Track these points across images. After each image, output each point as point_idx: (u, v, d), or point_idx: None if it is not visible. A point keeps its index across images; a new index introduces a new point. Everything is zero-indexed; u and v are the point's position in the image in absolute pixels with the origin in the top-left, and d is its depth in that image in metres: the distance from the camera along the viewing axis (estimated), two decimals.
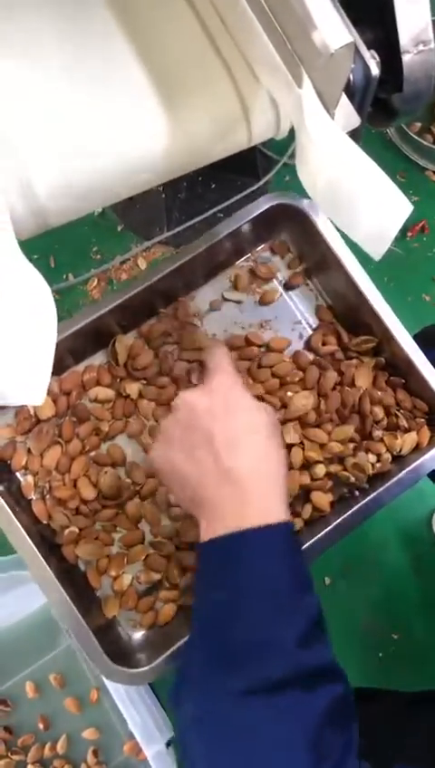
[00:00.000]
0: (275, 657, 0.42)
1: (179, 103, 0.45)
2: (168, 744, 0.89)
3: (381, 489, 0.61)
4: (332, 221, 0.49)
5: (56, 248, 1.06)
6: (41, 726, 0.93)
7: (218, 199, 0.92)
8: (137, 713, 0.87)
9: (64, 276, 1.01)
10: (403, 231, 1.02)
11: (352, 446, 0.65)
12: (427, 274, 1.02)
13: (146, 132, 0.44)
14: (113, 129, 0.44)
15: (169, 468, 0.51)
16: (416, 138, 1.04)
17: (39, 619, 0.97)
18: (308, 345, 0.70)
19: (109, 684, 0.88)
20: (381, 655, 1.18)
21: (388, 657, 1.18)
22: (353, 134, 0.47)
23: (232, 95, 0.47)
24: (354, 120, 0.46)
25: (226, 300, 0.70)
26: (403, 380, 0.67)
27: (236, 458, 0.47)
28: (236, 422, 0.49)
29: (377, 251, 0.51)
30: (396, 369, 0.67)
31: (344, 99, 0.45)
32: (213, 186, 0.96)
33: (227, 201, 0.89)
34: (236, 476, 0.47)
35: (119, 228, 1.02)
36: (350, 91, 0.47)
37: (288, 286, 0.71)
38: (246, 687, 0.41)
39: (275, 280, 0.71)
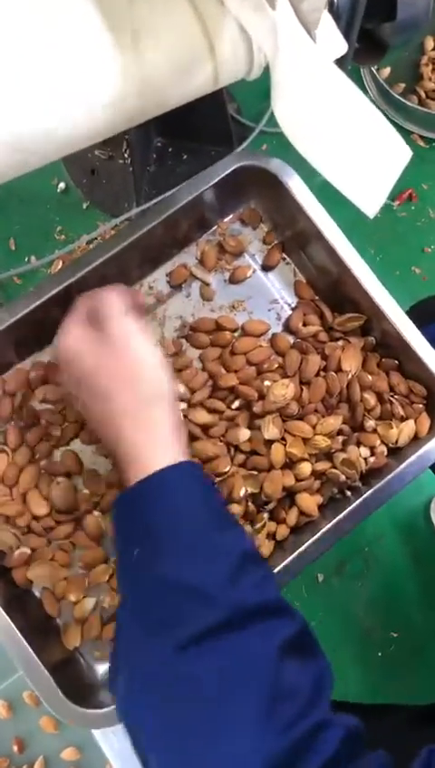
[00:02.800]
0: (203, 603, 0.38)
1: (132, 40, 0.37)
2: None
3: (376, 487, 0.54)
4: (320, 172, 0.41)
5: (16, 229, 0.98)
6: (15, 749, 0.86)
7: (191, 171, 0.85)
8: (115, 737, 0.80)
9: (26, 259, 0.95)
10: (389, 200, 0.94)
11: (341, 439, 0.58)
12: (416, 245, 0.95)
13: (96, 75, 0.37)
14: (58, 72, 0.36)
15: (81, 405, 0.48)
16: (400, 99, 0.96)
17: None
18: (287, 327, 0.61)
19: None
20: (380, 654, 1.12)
21: (388, 657, 1.12)
22: (339, 65, 0.39)
23: (193, 26, 0.39)
24: (341, 47, 0.38)
25: (192, 277, 0.61)
26: (397, 362, 0.59)
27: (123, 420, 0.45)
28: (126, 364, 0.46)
29: (371, 206, 0.43)
30: (388, 349, 0.59)
31: (329, 20, 0.38)
32: (184, 157, 0.90)
33: (199, 173, 0.83)
34: (125, 432, 0.44)
35: (84, 206, 0.95)
36: (335, 12, 0.39)
37: (265, 267, 0.62)
38: (178, 642, 0.37)
39: (246, 254, 0.62)
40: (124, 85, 0.38)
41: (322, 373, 0.58)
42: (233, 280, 0.61)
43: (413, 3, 0.39)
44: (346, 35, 0.39)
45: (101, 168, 0.86)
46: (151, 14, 0.38)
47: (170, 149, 0.88)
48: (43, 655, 0.50)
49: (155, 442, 0.44)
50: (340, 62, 0.38)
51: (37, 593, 0.55)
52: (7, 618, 0.50)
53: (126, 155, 0.79)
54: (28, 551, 0.54)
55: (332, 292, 0.60)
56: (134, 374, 0.45)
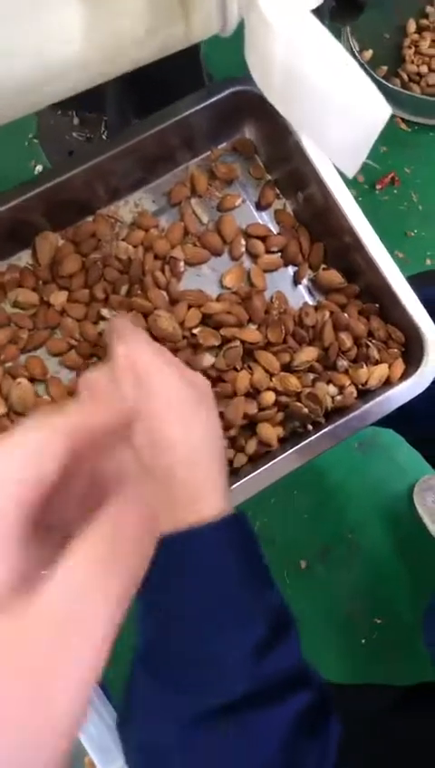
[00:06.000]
0: (227, 674, 0.37)
1: None
2: None
3: (338, 423, 0.52)
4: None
5: None
6: None
7: None
8: (92, 726, 0.79)
9: None
10: (371, 184, 0.92)
11: (312, 377, 0.56)
12: (399, 229, 0.93)
13: (61, 29, 0.35)
14: (21, 27, 0.34)
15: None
16: (383, 81, 0.95)
17: None
18: None
19: None
20: (363, 641, 1.09)
21: (371, 644, 1.09)
22: (317, 15, 0.38)
23: None
24: None
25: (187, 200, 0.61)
26: (377, 305, 0.57)
27: (154, 453, 0.40)
28: (150, 404, 0.41)
29: (350, 165, 0.42)
30: (372, 295, 0.58)
31: None
32: None
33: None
34: (160, 473, 0.40)
35: None
36: None
37: (260, 206, 0.61)
38: (196, 713, 0.36)
39: (237, 183, 0.61)
40: (92, 42, 0.36)
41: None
42: (221, 208, 0.61)
43: None
44: None
45: (78, 150, 0.85)
46: None
47: None
48: None
49: (212, 487, 0.41)
50: (317, 12, 0.36)
51: None
52: None
53: (104, 137, 0.78)
54: None
55: (317, 225, 0.59)
56: (214, 422, 0.43)
